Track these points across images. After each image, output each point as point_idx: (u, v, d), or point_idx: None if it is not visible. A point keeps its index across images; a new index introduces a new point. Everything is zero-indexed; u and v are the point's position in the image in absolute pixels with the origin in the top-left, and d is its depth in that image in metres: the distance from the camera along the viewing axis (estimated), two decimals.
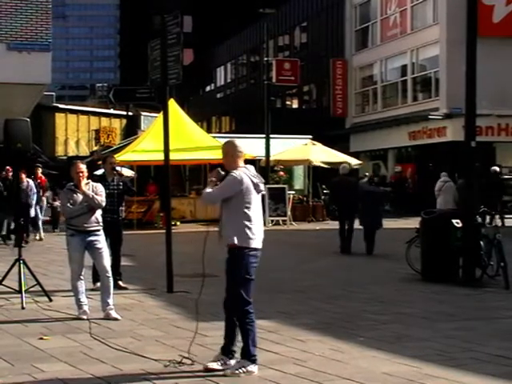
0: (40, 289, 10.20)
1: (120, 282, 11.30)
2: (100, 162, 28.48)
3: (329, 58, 43.05)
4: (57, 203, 23.20)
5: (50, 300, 10.12)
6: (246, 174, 6.58)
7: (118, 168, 12.09)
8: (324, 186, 31.46)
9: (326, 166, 28.56)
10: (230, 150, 6.70)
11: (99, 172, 12.71)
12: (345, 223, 17.52)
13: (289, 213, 26.70)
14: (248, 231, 6.49)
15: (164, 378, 6.37)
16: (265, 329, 8.09)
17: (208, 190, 6.58)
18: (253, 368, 6.50)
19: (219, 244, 6.60)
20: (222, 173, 6.67)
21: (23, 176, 19.10)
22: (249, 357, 6.53)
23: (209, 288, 11.66)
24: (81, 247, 9.15)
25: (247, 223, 6.50)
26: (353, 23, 42.16)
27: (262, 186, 6.66)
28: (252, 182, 6.59)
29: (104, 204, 9.31)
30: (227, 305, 6.64)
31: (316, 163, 28.69)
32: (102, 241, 9.26)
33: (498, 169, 25.54)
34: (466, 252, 12.05)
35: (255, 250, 6.56)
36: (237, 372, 6.45)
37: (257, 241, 6.57)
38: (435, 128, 34.43)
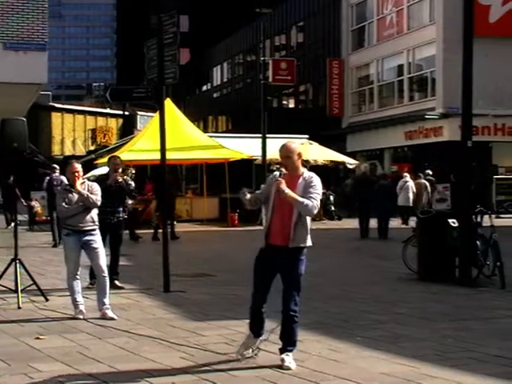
0: (36, 288, 10.18)
1: (116, 282, 11.27)
2: (97, 162, 28.39)
3: (325, 57, 43.06)
4: (33, 203, 23.17)
5: (47, 300, 10.09)
6: None
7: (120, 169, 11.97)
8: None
9: (328, 164, 28.71)
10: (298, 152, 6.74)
11: (98, 171, 12.69)
12: (364, 215, 20.36)
13: None
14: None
15: (160, 377, 6.36)
16: None
17: (306, 201, 6.67)
18: None
19: (291, 245, 6.84)
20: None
21: None
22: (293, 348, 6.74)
23: (205, 287, 11.72)
24: (76, 247, 9.13)
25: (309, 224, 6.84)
26: (349, 23, 42.17)
27: None
28: None
29: (99, 203, 9.27)
30: (290, 305, 6.65)
31: (315, 163, 28.68)
32: (98, 240, 9.23)
33: (430, 172, 28.37)
34: (462, 252, 12.05)
35: None
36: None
37: None
38: (431, 128, 34.47)
